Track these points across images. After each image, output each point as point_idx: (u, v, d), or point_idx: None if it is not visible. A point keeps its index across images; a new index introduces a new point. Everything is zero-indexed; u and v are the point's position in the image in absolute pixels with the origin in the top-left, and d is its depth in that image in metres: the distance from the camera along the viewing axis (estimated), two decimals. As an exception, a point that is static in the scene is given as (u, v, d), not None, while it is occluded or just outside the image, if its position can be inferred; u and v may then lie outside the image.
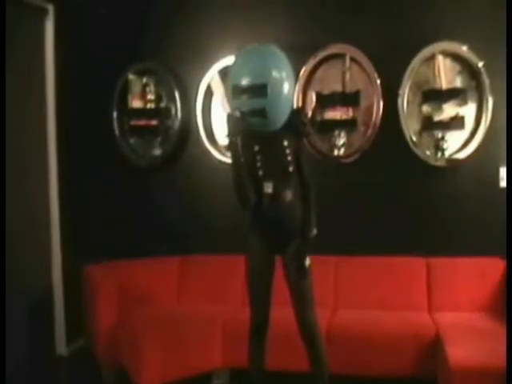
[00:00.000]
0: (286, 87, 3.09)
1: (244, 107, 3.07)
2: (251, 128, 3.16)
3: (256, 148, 3.23)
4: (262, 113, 3.07)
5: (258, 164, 3.22)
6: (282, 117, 3.15)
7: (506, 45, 4.13)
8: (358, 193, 4.72)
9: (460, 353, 3.42)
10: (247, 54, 3.19)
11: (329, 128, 4.73)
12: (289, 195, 3.26)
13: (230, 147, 3.17)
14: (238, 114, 3.07)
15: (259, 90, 3.02)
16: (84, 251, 4.93)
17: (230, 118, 3.11)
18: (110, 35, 5.12)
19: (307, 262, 3.23)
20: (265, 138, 3.22)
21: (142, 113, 5.16)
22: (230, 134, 3.12)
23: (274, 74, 3.05)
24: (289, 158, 3.24)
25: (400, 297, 4.38)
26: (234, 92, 3.10)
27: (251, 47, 3.24)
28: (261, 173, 3.22)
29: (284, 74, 3.09)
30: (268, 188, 3.22)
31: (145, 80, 5.11)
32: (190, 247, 4.96)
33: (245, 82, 3.04)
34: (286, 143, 3.24)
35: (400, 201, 4.66)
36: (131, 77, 5.09)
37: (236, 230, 4.49)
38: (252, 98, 3.04)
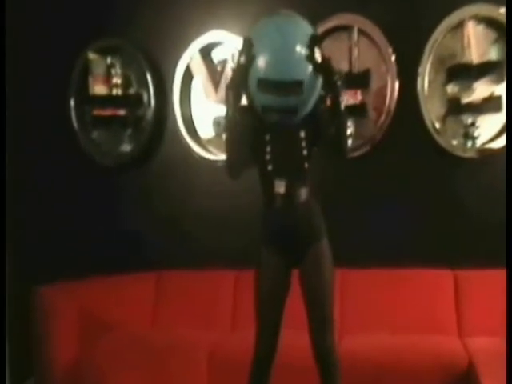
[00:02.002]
0: (319, 78, 3.08)
1: (271, 104, 3.06)
2: (266, 118, 3.16)
3: (267, 137, 3.19)
4: (292, 111, 3.08)
5: (268, 157, 3.17)
6: (309, 110, 3.15)
7: (506, 45, 4.19)
8: (368, 193, 4.67)
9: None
10: (273, 34, 3.07)
11: None
12: (303, 194, 3.22)
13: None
14: (259, 108, 3.07)
15: (293, 87, 3.01)
16: (34, 270, 4.94)
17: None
18: (65, 4, 5.05)
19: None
20: (278, 125, 3.19)
21: (106, 100, 5.12)
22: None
23: (311, 62, 3.03)
24: (304, 152, 3.20)
25: (422, 318, 4.31)
26: (259, 86, 3.05)
27: (275, 22, 3.11)
28: (270, 168, 3.18)
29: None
30: (280, 187, 3.18)
31: (109, 60, 5.05)
32: (168, 261, 4.89)
33: (276, 76, 3.00)
34: (302, 134, 3.19)
35: (420, 201, 4.57)
36: (92, 56, 5.03)
37: (223, 240, 4.76)
38: (283, 96, 3.02)
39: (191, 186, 4.97)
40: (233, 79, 3.15)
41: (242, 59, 3.07)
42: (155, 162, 5.08)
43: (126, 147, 5.13)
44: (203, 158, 4.88)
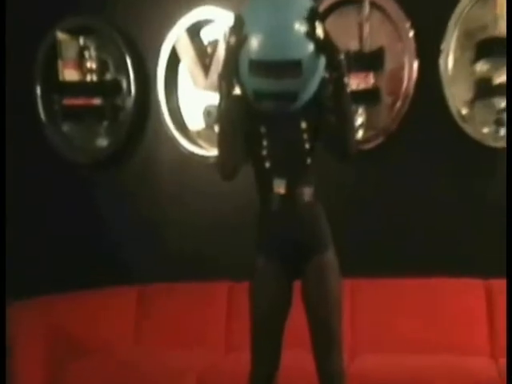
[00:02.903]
0: (321, 58, 2.95)
1: (265, 89, 2.94)
2: (261, 107, 3.06)
3: (263, 129, 3.09)
4: (290, 97, 2.97)
5: (265, 152, 3.08)
6: (310, 95, 3.03)
7: (506, 45, 4.11)
8: (383, 191, 4.58)
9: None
10: (267, 9, 2.97)
11: None
12: (307, 194, 3.12)
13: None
14: (251, 95, 2.96)
15: (290, 68, 2.88)
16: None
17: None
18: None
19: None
20: (276, 116, 3.09)
21: (78, 88, 5.04)
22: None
23: (311, 43, 2.90)
24: (307, 145, 3.10)
25: (447, 335, 4.22)
26: (251, 69, 2.93)
27: None
28: (268, 164, 3.09)
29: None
30: (279, 186, 3.09)
31: (82, 41, 4.98)
32: (151, 273, 4.86)
33: (269, 56, 2.88)
34: (304, 125, 3.09)
35: (443, 200, 4.47)
36: (61, 36, 4.94)
37: (215, 247, 4.65)
38: (279, 79, 2.89)
39: (179, 186, 4.90)
40: (225, 65, 3.05)
41: (233, 40, 2.98)
42: (136, 159, 5.00)
43: (103, 142, 5.06)
44: (192, 154, 4.79)
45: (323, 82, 3.08)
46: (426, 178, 4.52)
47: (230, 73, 3.02)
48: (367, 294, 4.47)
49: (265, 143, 3.09)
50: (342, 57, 2.99)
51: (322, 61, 2.95)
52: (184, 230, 4.86)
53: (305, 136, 3.10)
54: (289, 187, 3.10)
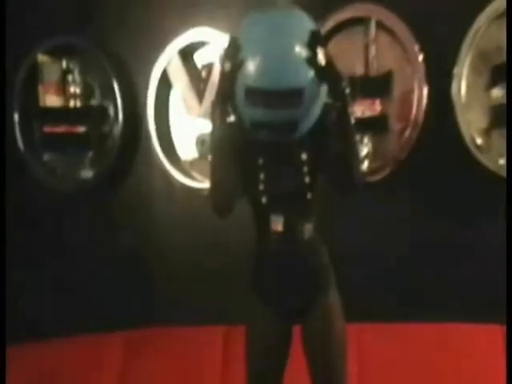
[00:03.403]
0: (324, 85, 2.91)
1: (262, 120, 2.87)
2: (256, 138, 3.02)
3: (260, 161, 3.05)
4: (289, 127, 2.91)
5: (261, 186, 3.03)
6: (311, 124, 2.97)
7: (506, 45, 4.03)
8: (392, 228, 4.42)
9: None
10: (265, 32, 2.90)
11: None
12: (307, 231, 3.08)
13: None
14: (247, 125, 2.90)
15: (290, 97, 2.81)
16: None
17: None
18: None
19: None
20: (274, 147, 3.03)
21: (61, 114, 4.96)
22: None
23: (312, 67, 2.83)
24: (307, 179, 3.05)
25: None
26: (248, 97, 2.86)
27: (268, 16, 2.92)
28: (265, 200, 3.04)
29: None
30: (276, 223, 3.05)
31: (65, 63, 4.89)
32: (140, 316, 4.70)
33: (268, 84, 2.80)
34: (304, 157, 3.04)
35: (457, 238, 4.28)
36: (42, 58, 4.86)
37: (209, 287, 4.55)
38: (277, 110, 2.83)
39: (169, 221, 4.80)
40: (218, 92, 2.98)
41: (228, 65, 2.89)
42: (124, 191, 4.91)
43: (87, 173, 4.95)
44: (184, 186, 4.67)
45: (325, 109, 3.01)
46: (438, 214, 4.39)
47: (224, 100, 2.96)
48: (375, 341, 4.38)
49: (261, 176, 3.04)
50: (346, 85, 2.93)
51: (325, 87, 2.90)
52: (175, 269, 4.77)
53: (305, 169, 3.04)
54: (287, 224, 3.05)
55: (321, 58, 2.82)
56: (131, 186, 4.90)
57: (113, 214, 4.97)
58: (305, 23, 2.89)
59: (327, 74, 2.85)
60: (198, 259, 4.60)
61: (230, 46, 2.90)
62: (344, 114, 2.93)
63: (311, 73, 2.80)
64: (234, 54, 2.87)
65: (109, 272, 4.89)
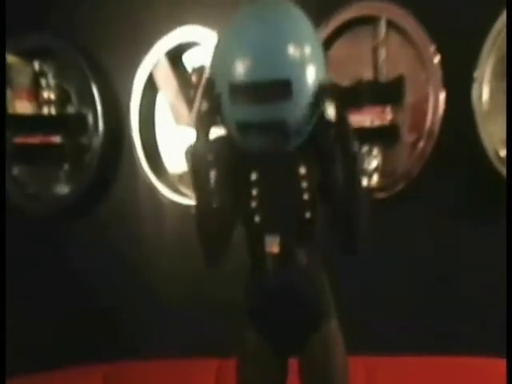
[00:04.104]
0: (317, 75, 2.87)
1: (249, 119, 2.84)
2: (247, 148, 3.00)
3: (253, 177, 3.01)
4: (279, 128, 2.85)
5: (254, 204, 2.98)
6: (306, 130, 2.95)
7: (506, 45, 4.03)
8: (402, 253, 4.32)
9: None
10: (250, 21, 2.93)
11: None
12: (305, 256, 3.03)
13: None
14: (233, 129, 2.87)
15: (277, 90, 2.80)
16: None
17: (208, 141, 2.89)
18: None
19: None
20: (268, 160, 3.00)
21: (33, 123, 4.92)
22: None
23: (301, 57, 2.83)
24: (305, 196, 2.99)
25: None
26: (232, 95, 2.85)
27: (259, 11, 2.94)
28: (258, 219, 2.99)
29: (315, 52, 2.87)
30: (271, 244, 3.00)
31: (37, 66, 4.87)
32: (122, 348, 4.71)
33: (252, 77, 2.80)
34: (302, 171, 3.01)
35: (474, 263, 4.20)
36: (12, 59, 4.84)
37: (200, 317, 4.49)
38: (264, 104, 2.81)
39: (156, 241, 4.75)
40: (197, 138, 3.00)
41: (205, 106, 2.92)
42: (104, 209, 4.88)
43: (63, 189, 4.92)
44: (172, 203, 4.64)
45: (324, 124, 2.97)
46: (456, 236, 4.26)
47: (204, 138, 2.94)
48: (384, 375, 4.30)
49: (254, 192, 2.99)
50: (358, 149, 2.94)
51: (319, 81, 2.90)
52: (163, 297, 4.71)
53: (303, 184, 2.99)
54: (283, 246, 2.99)
55: (331, 112, 2.86)
56: (112, 204, 4.87)
57: (91, 237, 4.91)
58: (299, 20, 2.89)
59: (337, 133, 2.88)
60: (187, 287, 4.55)
61: (206, 85, 2.94)
62: (351, 175, 2.93)
63: (302, 68, 2.80)
64: (210, 94, 2.90)
65: (91, 298, 4.85)
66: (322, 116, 2.98)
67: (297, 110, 2.85)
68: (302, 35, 2.87)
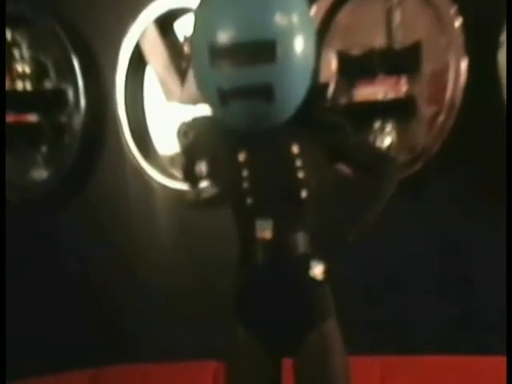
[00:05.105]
0: (306, 45, 2.90)
1: (230, 85, 2.86)
2: (235, 122, 3.02)
3: (241, 157, 3.03)
4: (264, 93, 2.86)
5: (246, 185, 3.01)
6: (296, 100, 2.96)
7: (506, 44, 3.96)
8: (417, 241, 4.24)
9: None
10: None
11: (363, 117, 4.42)
12: (301, 242, 3.01)
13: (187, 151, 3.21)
14: (214, 98, 2.91)
15: (261, 51, 2.81)
16: None
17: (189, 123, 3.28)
18: None
19: (318, 269, 3.03)
20: (257, 138, 3.02)
21: (7, 100, 4.80)
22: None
23: (287, 20, 2.85)
24: (300, 174, 3.00)
25: None
26: (213, 59, 2.86)
27: None
28: (250, 201, 3.02)
29: (303, 21, 2.91)
30: (263, 229, 3.00)
31: (10, 36, 4.87)
32: (108, 352, 4.63)
33: (233, 37, 2.82)
34: (295, 149, 3.01)
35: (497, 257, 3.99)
36: None
37: (195, 315, 4.48)
38: (247, 67, 2.82)
39: (145, 231, 4.73)
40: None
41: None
42: (87, 196, 4.87)
43: (41, 174, 4.93)
44: (164, 187, 4.62)
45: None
46: (480, 222, 4.16)
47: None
48: (400, 375, 4.25)
49: (244, 173, 3.02)
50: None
51: (308, 49, 2.92)
52: (154, 293, 4.67)
53: (298, 163, 3.02)
54: (276, 230, 2.99)
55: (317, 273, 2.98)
56: (96, 189, 4.84)
57: (73, 227, 4.87)
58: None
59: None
60: (181, 282, 4.52)
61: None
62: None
63: (287, 30, 2.82)
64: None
65: (74, 297, 4.82)
66: (313, 91, 3.02)
67: (283, 75, 2.83)
68: (291, 2, 2.88)
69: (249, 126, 2.99)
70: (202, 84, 2.99)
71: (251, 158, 3.04)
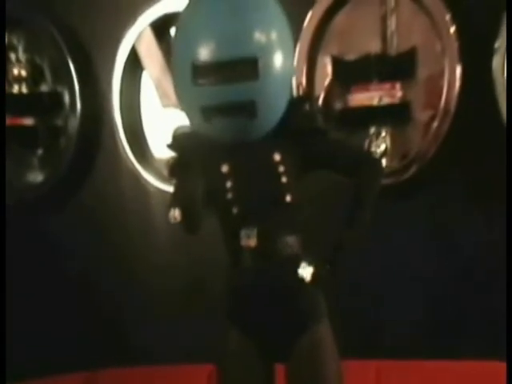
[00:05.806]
0: (286, 60, 2.92)
1: (212, 103, 2.86)
2: (218, 137, 3.01)
3: (224, 169, 3.03)
4: (247, 110, 2.88)
5: (230, 195, 3.01)
6: (277, 114, 2.99)
7: (506, 43, 3.97)
8: (414, 243, 4.26)
9: None
10: (216, 4, 2.92)
11: (358, 122, 4.46)
12: (288, 246, 2.99)
13: (176, 172, 3.04)
14: (198, 116, 2.89)
15: (244, 68, 2.83)
16: None
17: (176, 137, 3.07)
18: None
19: (307, 270, 2.98)
20: (239, 149, 3.02)
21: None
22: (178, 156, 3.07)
23: (268, 36, 2.87)
24: (283, 179, 3.01)
25: None
26: (195, 77, 2.87)
27: None
28: (236, 210, 3.02)
29: (283, 35, 2.94)
30: (248, 238, 3.00)
31: (6, 39, 4.86)
32: (103, 355, 4.63)
33: (215, 54, 2.82)
34: (277, 157, 3.02)
35: (493, 260, 4.06)
36: None
37: (191, 319, 4.46)
38: (230, 85, 2.84)
39: (141, 235, 4.74)
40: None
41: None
42: (83, 199, 4.86)
43: (36, 177, 4.95)
44: (159, 191, 4.60)
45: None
46: (474, 227, 4.18)
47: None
48: (396, 379, 4.27)
49: (228, 184, 3.02)
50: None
51: (288, 62, 2.95)
52: (149, 297, 4.67)
53: (280, 169, 3.02)
54: (262, 238, 2.98)
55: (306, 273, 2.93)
56: (92, 193, 4.84)
57: (68, 230, 4.86)
58: (272, 7, 2.92)
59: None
60: (177, 286, 4.53)
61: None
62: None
63: (267, 46, 2.82)
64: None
65: (68, 300, 4.80)
66: (293, 101, 3.05)
67: (266, 91, 2.86)
68: (269, 16, 2.88)
69: (231, 140, 3.01)
70: (184, 102, 3.00)
71: (234, 168, 3.05)
